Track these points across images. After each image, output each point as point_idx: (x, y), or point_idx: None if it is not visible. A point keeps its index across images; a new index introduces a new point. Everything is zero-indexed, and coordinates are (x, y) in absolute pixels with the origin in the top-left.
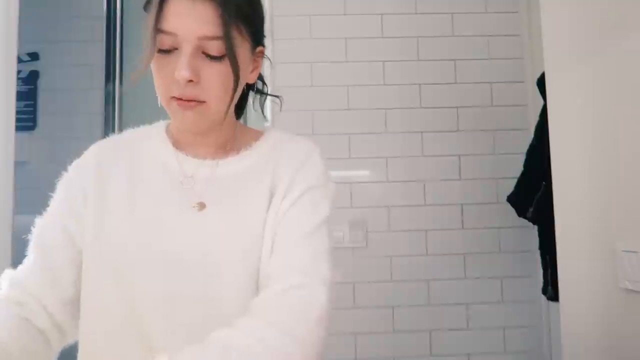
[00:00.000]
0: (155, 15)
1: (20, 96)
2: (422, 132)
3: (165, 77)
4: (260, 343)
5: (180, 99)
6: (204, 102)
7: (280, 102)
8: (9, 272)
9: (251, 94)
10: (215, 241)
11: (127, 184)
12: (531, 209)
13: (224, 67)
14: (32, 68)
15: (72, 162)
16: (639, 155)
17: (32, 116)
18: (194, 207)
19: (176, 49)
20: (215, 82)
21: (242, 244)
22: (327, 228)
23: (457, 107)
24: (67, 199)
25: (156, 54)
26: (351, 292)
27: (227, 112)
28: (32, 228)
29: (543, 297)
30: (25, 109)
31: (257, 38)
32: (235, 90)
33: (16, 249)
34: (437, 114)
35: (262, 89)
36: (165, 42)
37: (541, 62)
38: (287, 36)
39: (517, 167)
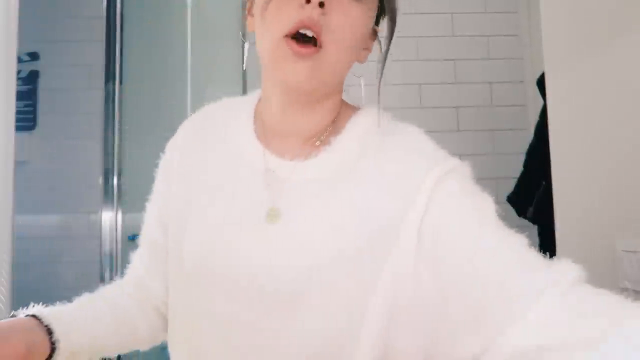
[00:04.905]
0: None
1: (20, 96)
2: None
3: (284, 9)
4: None
5: (297, 36)
6: (321, 47)
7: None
8: (132, 255)
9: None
10: (297, 259)
11: (207, 179)
12: (531, 209)
13: (360, 11)
14: (32, 68)
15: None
16: (639, 155)
17: (32, 116)
18: (266, 217)
19: None
20: (347, 22)
21: (337, 264)
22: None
23: (457, 107)
24: (160, 186)
25: None
26: None
27: (344, 68)
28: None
29: None
30: (25, 108)
31: (380, 12)
32: (391, 35)
33: (16, 249)
34: (437, 114)
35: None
36: None
37: (541, 62)
38: None
39: (517, 167)
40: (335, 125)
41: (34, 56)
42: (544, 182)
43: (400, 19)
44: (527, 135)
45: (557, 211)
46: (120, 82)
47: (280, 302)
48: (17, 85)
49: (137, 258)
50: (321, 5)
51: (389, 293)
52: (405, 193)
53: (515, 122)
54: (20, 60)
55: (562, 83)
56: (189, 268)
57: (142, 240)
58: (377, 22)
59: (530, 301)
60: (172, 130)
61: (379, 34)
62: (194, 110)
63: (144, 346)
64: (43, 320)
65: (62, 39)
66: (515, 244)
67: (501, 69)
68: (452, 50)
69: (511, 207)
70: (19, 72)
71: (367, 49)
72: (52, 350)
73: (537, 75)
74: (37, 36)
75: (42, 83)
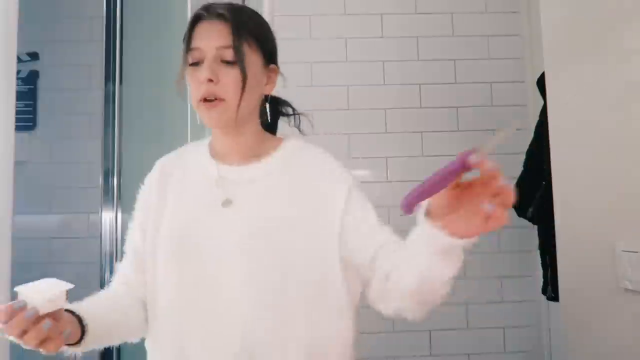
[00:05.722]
0: (187, 38)
1: (20, 96)
2: (422, 132)
3: (195, 84)
4: None
5: (205, 100)
6: (223, 100)
7: (311, 122)
8: (117, 265)
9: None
10: (234, 232)
11: (179, 189)
12: (531, 209)
13: (235, 72)
14: (32, 68)
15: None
16: (639, 155)
17: (32, 116)
18: (222, 203)
19: (203, 61)
20: (231, 82)
21: (258, 235)
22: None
23: (457, 107)
24: (140, 207)
25: (189, 68)
26: None
27: (242, 108)
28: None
29: (543, 297)
30: (25, 108)
31: (268, 57)
32: (244, 86)
33: (16, 249)
34: (437, 114)
35: (287, 111)
36: (195, 56)
37: (541, 62)
38: (287, 36)
39: (517, 167)
40: (272, 145)
41: (34, 56)
42: (544, 182)
43: (400, 20)
44: (527, 135)
45: (557, 211)
46: (120, 82)
47: (234, 258)
48: (17, 85)
49: (124, 263)
50: (210, 80)
51: (333, 245)
52: (323, 189)
53: (515, 122)
54: (20, 60)
55: (562, 83)
56: (170, 247)
57: (127, 248)
58: (273, 62)
59: (387, 242)
60: (172, 131)
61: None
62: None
63: (134, 337)
64: (74, 311)
65: (62, 39)
66: (381, 225)
67: (501, 69)
68: (452, 50)
69: (511, 207)
70: (19, 72)
71: (270, 84)
72: (83, 333)
73: (537, 75)
74: (37, 36)
75: (42, 83)
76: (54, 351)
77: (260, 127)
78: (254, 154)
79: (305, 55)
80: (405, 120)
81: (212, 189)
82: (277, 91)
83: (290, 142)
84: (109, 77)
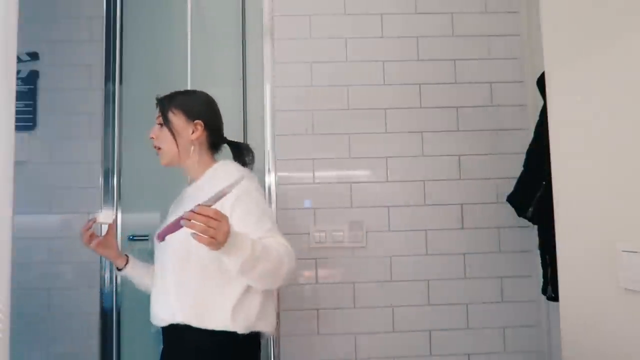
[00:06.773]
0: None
1: (20, 96)
2: (422, 132)
3: None
4: (280, 249)
5: (155, 148)
6: (160, 148)
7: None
8: None
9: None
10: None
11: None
12: (531, 209)
13: (164, 132)
14: (32, 68)
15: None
16: (639, 155)
17: (31, 116)
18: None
19: None
20: (162, 137)
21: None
22: (269, 213)
23: (457, 107)
24: None
25: None
26: (351, 292)
27: (173, 150)
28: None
29: (543, 297)
30: (25, 108)
31: (193, 115)
32: (174, 138)
33: (16, 249)
34: (437, 114)
35: (245, 154)
36: None
37: (541, 62)
38: (287, 36)
39: (517, 167)
40: (206, 168)
41: (34, 56)
42: (544, 182)
43: (400, 20)
44: (527, 135)
45: (557, 211)
46: (120, 82)
47: (170, 245)
48: (17, 85)
49: None
50: (152, 138)
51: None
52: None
53: (515, 122)
54: (20, 60)
55: (561, 83)
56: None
57: None
58: (197, 118)
59: (261, 234)
60: None
61: None
62: None
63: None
64: (127, 255)
65: (62, 39)
66: (258, 225)
67: (501, 69)
68: (452, 50)
69: (511, 207)
70: (19, 72)
71: (195, 132)
72: (126, 262)
73: (537, 75)
74: (37, 36)
75: (42, 83)
76: (106, 253)
77: (201, 159)
78: (198, 177)
79: (305, 55)
80: (405, 120)
81: (182, 203)
82: (278, 89)
83: (216, 165)
84: (109, 77)
